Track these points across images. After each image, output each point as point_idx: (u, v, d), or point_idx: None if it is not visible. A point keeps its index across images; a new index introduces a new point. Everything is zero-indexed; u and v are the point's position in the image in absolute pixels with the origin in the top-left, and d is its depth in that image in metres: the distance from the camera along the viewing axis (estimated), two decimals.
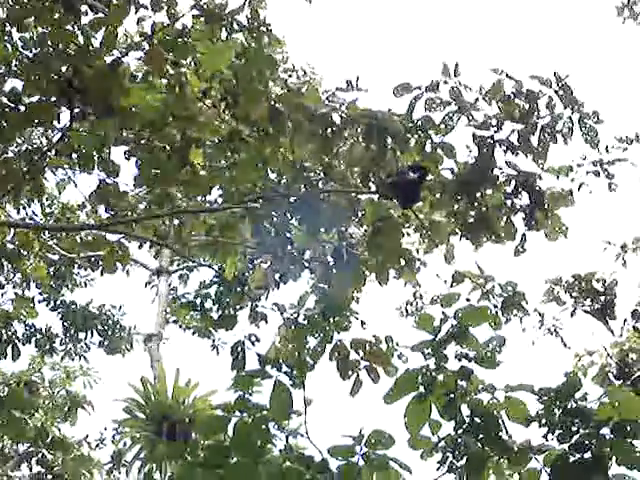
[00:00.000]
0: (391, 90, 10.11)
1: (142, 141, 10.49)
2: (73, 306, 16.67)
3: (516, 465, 5.87)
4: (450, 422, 5.97)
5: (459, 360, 6.05)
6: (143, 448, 15.64)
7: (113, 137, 10.16)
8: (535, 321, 22.71)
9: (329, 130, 10.11)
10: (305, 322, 8.34)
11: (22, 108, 9.67)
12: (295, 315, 11.41)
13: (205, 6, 10.35)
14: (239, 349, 11.47)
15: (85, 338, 16.69)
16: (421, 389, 6.01)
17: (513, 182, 10.35)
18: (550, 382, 5.97)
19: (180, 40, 10.02)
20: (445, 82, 10.18)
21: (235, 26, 10.29)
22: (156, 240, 12.17)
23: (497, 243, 10.61)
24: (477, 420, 5.89)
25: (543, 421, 5.82)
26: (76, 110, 9.66)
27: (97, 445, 17.37)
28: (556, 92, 10.22)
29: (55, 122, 9.98)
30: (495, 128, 10.26)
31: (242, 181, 11.08)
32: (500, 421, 5.87)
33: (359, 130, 10.08)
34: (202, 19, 10.19)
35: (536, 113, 10.22)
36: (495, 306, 11.76)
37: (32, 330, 15.79)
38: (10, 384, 14.71)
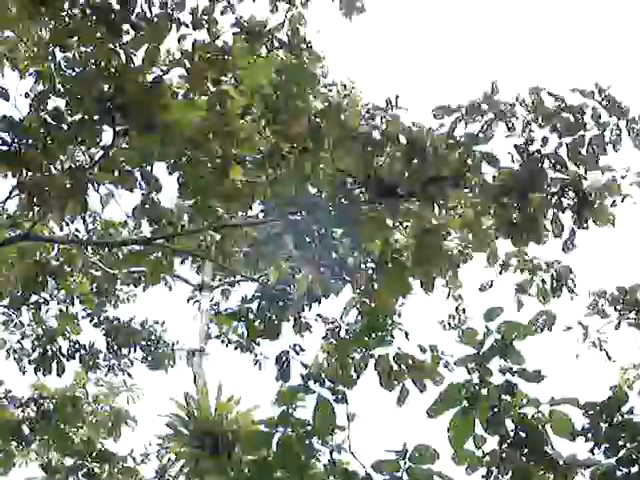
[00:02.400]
0: (431, 112, 10.13)
1: (184, 157, 10.56)
2: (116, 322, 16.75)
3: (562, 479, 5.83)
4: (494, 436, 5.94)
5: (503, 374, 6.02)
6: (187, 463, 15.66)
7: (155, 153, 10.23)
8: (579, 334, 22.50)
9: (369, 147, 10.14)
10: (348, 336, 8.37)
11: (65, 127, 9.79)
12: (337, 329, 11.42)
13: (245, 24, 10.42)
14: (284, 359, 11.50)
15: (128, 354, 16.75)
16: (465, 403, 5.98)
17: (560, 183, 10.31)
18: (595, 396, 5.93)
19: (221, 57, 10.09)
20: (486, 102, 10.21)
21: (275, 43, 10.35)
22: (198, 253, 12.21)
23: (540, 243, 10.56)
24: (522, 434, 5.85)
25: (589, 435, 5.78)
26: (118, 127, 9.76)
27: (142, 460, 17.41)
28: (600, 102, 10.17)
29: (98, 140, 10.10)
30: (541, 142, 10.24)
31: (283, 196, 11.11)
32: (545, 435, 5.83)
33: (400, 146, 10.10)
34: (243, 37, 10.26)
35: (583, 126, 10.19)
36: (543, 281, 11.76)
37: (76, 346, 15.87)
38: (56, 399, 14.81)
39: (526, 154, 10.17)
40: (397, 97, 10.27)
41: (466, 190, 10.37)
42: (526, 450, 5.78)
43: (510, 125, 10.30)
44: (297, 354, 11.92)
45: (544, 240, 10.53)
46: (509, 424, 5.90)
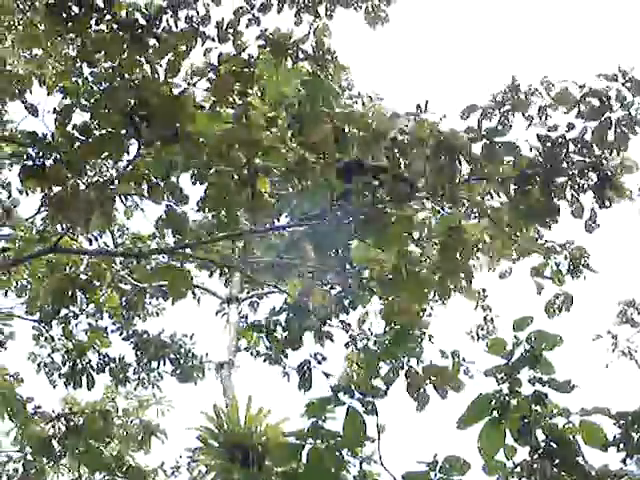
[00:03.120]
0: (458, 113, 10.15)
1: (209, 168, 10.59)
2: (146, 335, 16.81)
3: None
4: (525, 447, 5.90)
5: (533, 384, 5.98)
6: (218, 476, 15.68)
7: (179, 163, 10.25)
8: (608, 343, 22.40)
9: (396, 150, 10.14)
10: (376, 347, 8.34)
11: (92, 140, 9.85)
12: (365, 341, 11.39)
13: (270, 36, 10.45)
14: (305, 368, 11.49)
15: (158, 367, 16.80)
16: (495, 414, 5.95)
17: (581, 166, 10.27)
18: (627, 405, 5.88)
19: (246, 70, 10.13)
20: (508, 94, 10.23)
21: (300, 55, 10.37)
22: (222, 263, 12.21)
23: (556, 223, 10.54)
24: (553, 445, 5.81)
25: (621, 445, 5.73)
26: (143, 139, 9.79)
27: (172, 473, 17.46)
28: (624, 84, 10.16)
29: (124, 153, 10.14)
30: (566, 128, 10.24)
31: (309, 208, 11.14)
32: (576, 446, 5.79)
33: (428, 147, 10.10)
34: (268, 49, 10.29)
35: (608, 108, 10.18)
36: (557, 264, 11.72)
37: (106, 360, 15.93)
38: (86, 413, 14.87)
39: (549, 141, 10.16)
40: (427, 102, 10.28)
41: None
42: (557, 461, 5.74)
43: (530, 115, 10.35)
44: (319, 363, 11.92)
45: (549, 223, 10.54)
46: (540, 435, 5.86)
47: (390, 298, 11.21)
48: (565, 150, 10.18)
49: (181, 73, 10.24)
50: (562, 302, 12.04)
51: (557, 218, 10.47)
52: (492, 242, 10.99)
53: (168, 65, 9.92)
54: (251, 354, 18.19)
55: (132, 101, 9.60)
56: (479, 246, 11.11)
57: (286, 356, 16.31)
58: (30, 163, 9.81)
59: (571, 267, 11.80)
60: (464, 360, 9.55)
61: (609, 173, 10.24)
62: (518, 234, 10.96)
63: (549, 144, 10.18)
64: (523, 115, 10.38)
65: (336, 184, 10.41)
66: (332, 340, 12.07)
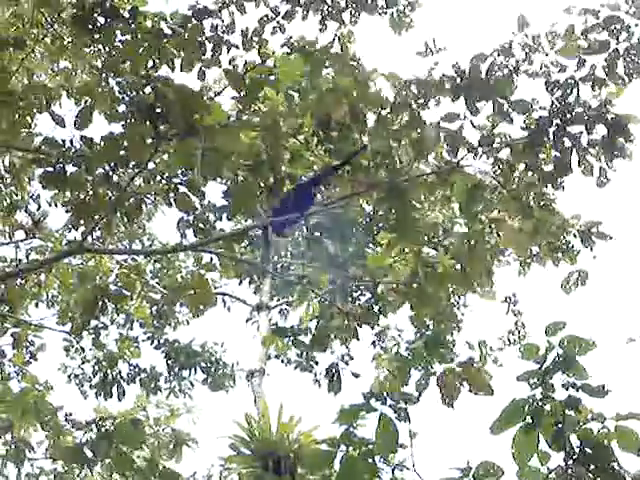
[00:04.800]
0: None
1: (237, 177, 10.61)
2: (176, 344, 16.84)
3: None
4: (559, 453, 5.85)
5: (566, 389, 5.93)
6: None
7: (197, 159, 10.23)
8: None
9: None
10: (407, 353, 8.28)
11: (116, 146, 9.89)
12: (397, 347, 11.34)
13: (296, 43, 10.46)
14: (334, 371, 11.44)
15: (189, 376, 16.84)
16: (528, 419, 5.91)
17: (585, 118, 10.19)
18: None
19: (272, 77, 10.14)
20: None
21: (325, 62, 10.36)
22: (244, 259, 12.16)
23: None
24: (588, 450, 5.75)
25: None
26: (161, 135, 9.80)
27: None
28: (627, 12, 10.11)
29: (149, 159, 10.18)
30: (575, 67, 10.21)
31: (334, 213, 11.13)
32: (611, 451, 5.73)
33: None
34: (293, 56, 10.30)
35: (616, 37, 10.16)
36: (567, 242, 11.64)
37: (136, 369, 15.98)
38: (117, 419, 14.92)
39: (558, 87, 10.10)
40: (434, 40, 10.33)
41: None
42: (592, 467, 5.69)
43: (535, 71, 10.35)
44: (346, 364, 11.87)
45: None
46: (574, 440, 5.81)
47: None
48: (577, 92, 10.11)
49: (209, 80, 10.30)
50: (577, 279, 12.02)
51: (569, 174, 10.40)
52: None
53: (182, 60, 9.96)
54: (282, 361, 18.21)
55: (147, 95, 9.63)
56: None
57: (316, 363, 16.29)
58: (50, 169, 9.88)
59: (583, 238, 11.74)
60: (491, 349, 9.51)
61: (618, 122, 10.13)
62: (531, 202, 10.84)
63: (559, 90, 10.11)
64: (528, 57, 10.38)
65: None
66: (358, 339, 11.96)
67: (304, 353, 14.62)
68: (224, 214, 10.98)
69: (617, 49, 10.21)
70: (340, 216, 12.84)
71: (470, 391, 8.94)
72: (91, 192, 9.99)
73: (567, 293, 11.93)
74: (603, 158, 10.26)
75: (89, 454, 13.75)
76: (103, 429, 13.95)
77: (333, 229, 13.04)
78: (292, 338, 11.53)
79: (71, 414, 14.51)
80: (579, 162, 10.26)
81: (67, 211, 10.21)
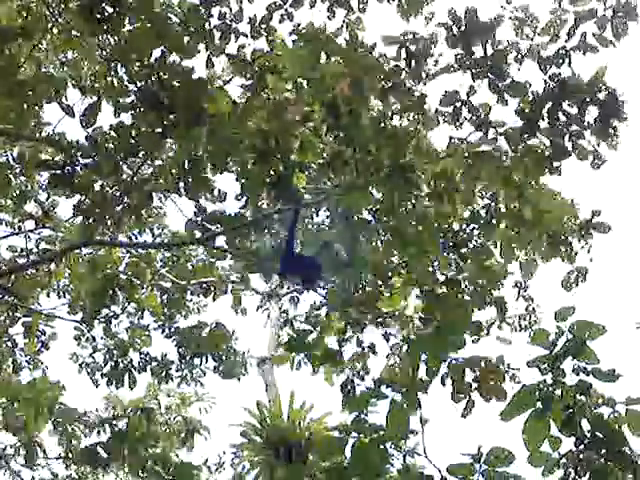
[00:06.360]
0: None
1: (247, 166, 10.60)
2: (188, 332, 16.81)
3: None
4: (570, 438, 5.86)
5: (577, 374, 5.93)
6: (262, 471, 15.75)
7: (203, 146, 10.23)
8: None
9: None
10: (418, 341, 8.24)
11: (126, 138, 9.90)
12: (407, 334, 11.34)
13: (304, 31, 10.44)
14: (349, 387, 11.40)
15: (200, 364, 16.82)
16: (539, 405, 5.91)
17: (579, 97, 10.21)
18: None
19: (280, 65, 10.14)
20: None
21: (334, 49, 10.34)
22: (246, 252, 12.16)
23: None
24: (598, 435, 5.76)
25: None
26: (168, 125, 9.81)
27: (216, 469, 17.54)
28: None
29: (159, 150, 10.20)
30: (566, 37, 10.23)
31: (346, 203, 11.12)
32: (623, 435, 5.73)
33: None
34: (301, 43, 10.28)
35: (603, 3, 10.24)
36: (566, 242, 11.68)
37: (147, 358, 15.98)
38: (129, 414, 14.95)
39: (550, 63, 10.12)
40: None
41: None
42: (604, 451, 5.69)
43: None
44: (362, 380, 11.82)
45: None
46: (585, 425, 5.82)
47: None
48: (568, 63, 10.14)
49: (217, 68, 10.31)
50: (576, 277, 12.08)
51: (566, 159, 10.42)
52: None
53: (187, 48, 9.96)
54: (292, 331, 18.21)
55: (152, 84, 9.64)
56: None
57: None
58: (59, 172, 9.90)
59: (581, 234, 11.78)
60: (509, 366, 9.51)
61: (612, 100, 10.13)
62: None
63: (552, 67, 10.13)
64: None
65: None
66: (375, 353, 11.92)
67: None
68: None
69: (605, 15, 10.27)
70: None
71: (481, 395, 8.96)
72: (100, 194, 10.04)
73: (568, 291, 11.99)
74: (595, 139, 10.30)
75: (103, 455, 13.79)
76: (116, 428, 13.98)
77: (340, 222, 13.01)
78: (306, 353, 11.50)
79: (85, 413, 14.57)
80: (573, 146, 10.29)
81: (76, 214, 10.25)
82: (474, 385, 8.83)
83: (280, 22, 11.20)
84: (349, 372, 11.52)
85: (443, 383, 8.47)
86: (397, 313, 11.11)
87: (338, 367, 11.23)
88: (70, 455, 14.98)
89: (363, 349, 11.35)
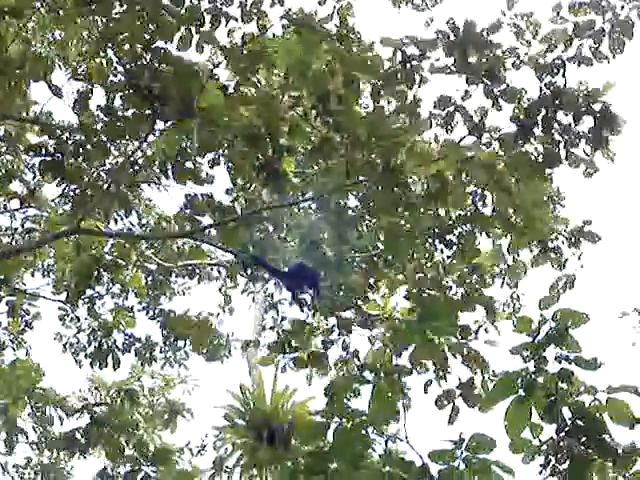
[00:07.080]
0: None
1: (234, 150, 10.59)
2: (172, 314, 16.81)
3: (621, 468, 5.78)
4: (551, 425, 5.90)
5: (559, 362, 5.97)
6: (244, 454, 15.77)
7: (195, 138, 10.22)
8: (635, 321, 22.29)
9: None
10: (403, 326, 8.31)
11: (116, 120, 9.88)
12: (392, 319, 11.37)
13: (294, 16, 10.42)
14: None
15: (184, 346, 16.83)
16: (521, 392, 5.95)
17: (574, 107, 10.25)
18: None
19: (270, 50, 10.10)
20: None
21: (324, 35, 10.31)
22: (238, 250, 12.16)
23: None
24: (579, 422, 5.80)
25: None
26: (159, 115, 9.79)
27: (198, 452, 17.57)
28: None
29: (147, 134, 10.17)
30: (563, 49, 10.27)
31: (333, 188, 11.13)
32: (603, 423, 5.78)
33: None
34: (291, 29, 10.25)
35: (602, 14, 10.27)
36: (554, 247, 11.77)
37: (131, 339, 15.96)
38: (111, 397, 14.96)
39: (546, 71, 10.16)
40: None
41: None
42: (584, 438, 5.74)
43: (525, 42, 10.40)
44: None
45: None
46: (566, 412, 5.86)
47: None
48: (563, 73, 10.18)
49: (205, 53, 10.27)
50: (564, 284, 12.22)
51: (558, 166, 10.47)
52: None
53: (180, 38, 9.94)
54: (277, 333, 18.23)
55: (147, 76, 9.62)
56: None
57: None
58: (49, 158, 9.88)
59: (571, 242, 11.88)
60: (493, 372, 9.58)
61: (606, 112, 10.16)
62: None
63: (548, 76, 10.17)
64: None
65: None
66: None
67: None
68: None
69: (603, 28, 10.28)
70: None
71: (465, 403, 9.04)
72: (89, 184, 10.03)
73: (556, 298, 12.03)
74: (589, 149, 10.33)
75: (81, 440, 13.78)
76: (96, 414, 13.98)
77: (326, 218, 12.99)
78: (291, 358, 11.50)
79: (64, 398, 14.54)
80: (567, 154, 10.33)
81: (65, 202, 10.23)
82: (457, 392, 8.94)
83: (271, 6, 11.17)
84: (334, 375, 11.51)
85: (426, 391, 8.58)
86: (384, 316, 11.13)
87: (321, 372, 11.25)
88: (45, 441, 14.98)
89: (348, 353, 11.34)
